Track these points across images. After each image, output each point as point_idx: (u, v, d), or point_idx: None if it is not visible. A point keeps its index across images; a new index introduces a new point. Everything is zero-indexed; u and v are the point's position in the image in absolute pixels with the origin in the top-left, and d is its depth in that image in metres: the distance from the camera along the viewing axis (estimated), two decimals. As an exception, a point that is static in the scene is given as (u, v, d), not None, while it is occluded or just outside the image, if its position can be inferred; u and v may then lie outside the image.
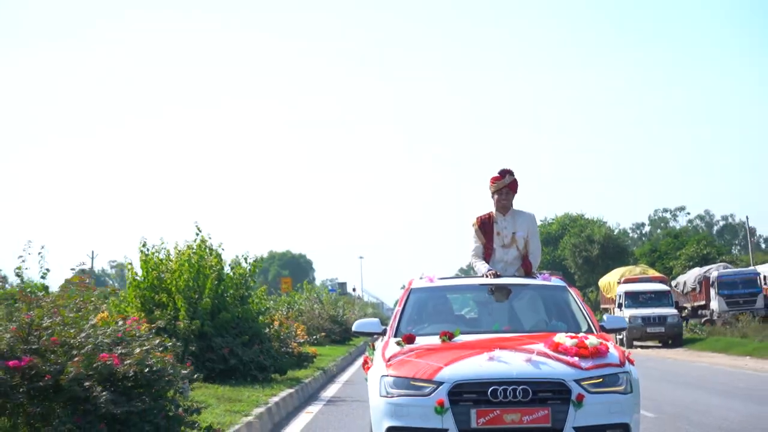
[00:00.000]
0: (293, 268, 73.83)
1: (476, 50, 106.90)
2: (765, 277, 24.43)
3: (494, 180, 4.89)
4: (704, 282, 25.31)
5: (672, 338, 21.38)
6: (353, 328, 5.11)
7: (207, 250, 7.93)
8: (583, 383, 3.60)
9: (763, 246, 66.71)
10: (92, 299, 4.45)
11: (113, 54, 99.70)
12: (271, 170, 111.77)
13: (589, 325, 4.38)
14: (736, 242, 75.21)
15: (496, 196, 4.94)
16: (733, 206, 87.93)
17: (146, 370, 3.71)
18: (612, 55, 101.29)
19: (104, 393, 3.39)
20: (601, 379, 3.70)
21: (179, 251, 7.76)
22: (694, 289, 26.38)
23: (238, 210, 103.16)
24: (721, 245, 43.16)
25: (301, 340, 10.03)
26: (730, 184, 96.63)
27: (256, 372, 7.67)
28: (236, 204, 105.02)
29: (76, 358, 3.40)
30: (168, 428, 3.88)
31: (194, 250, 7.79)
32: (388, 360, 3.92)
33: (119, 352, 3.72)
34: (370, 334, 5.00)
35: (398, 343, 4.07)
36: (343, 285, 46.83)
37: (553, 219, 50.87)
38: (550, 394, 3.63)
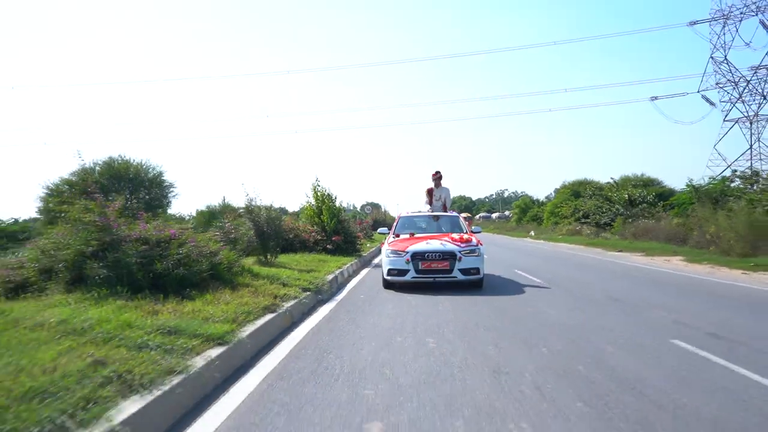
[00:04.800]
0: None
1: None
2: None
3: (433, 175, 12.35)
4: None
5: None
6: (377, 231, 13.69)
7: (329, 195, 17.34)
8: (462, 252, 9.41)
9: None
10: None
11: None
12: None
13: (465, 231, 10.79)
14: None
15: (434, 180, 12.36)
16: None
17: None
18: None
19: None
20: (469, 251, 9.50)
21: (321, 194, 17.17)
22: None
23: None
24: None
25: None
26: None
27: (351, 250, 17.35)
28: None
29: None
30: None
31: (324, 193, 17.03)
32: (390, 243, 10.21)
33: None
34: (385, 233, 12.28)
35: (394, 236, 10.80)
36: (375, 205, 66.22)
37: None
38: (449, 256, 9.36)
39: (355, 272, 13.32)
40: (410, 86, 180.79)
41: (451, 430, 3.19)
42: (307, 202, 17.06)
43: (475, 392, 3.88)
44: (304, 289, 8.15)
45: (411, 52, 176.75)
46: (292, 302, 7.05)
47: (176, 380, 3.51)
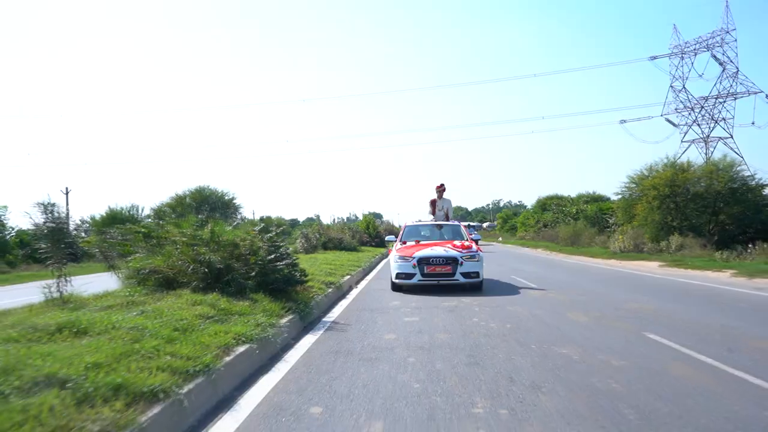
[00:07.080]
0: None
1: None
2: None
3: (437, 187, 14.01)
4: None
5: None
6: (385, 239, 16.17)
7: (371, 218, 34.37)
8: (463, 258, 10.88)
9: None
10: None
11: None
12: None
13: (466, 238, 12.18)
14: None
15: (437, 192, 13.94)
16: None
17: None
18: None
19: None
20: (469, 256, 10.97)
21: (368, 218, 34.19)
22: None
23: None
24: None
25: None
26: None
27: (382, 245, 34.20)
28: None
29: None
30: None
31: (371, 216, 34.06)
32: (397, 249, 11.76)
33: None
34: (392, 240, 13.79)
35: (401, 243, 12.23)
36: (377, 215, 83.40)
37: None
38: (452, 261, 10.84)
39: (387, 255, 30.35)
40: (410, 110, 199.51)
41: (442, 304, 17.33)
42: (360, 220, 34.32)
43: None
44: (380, 254, 25.17)
45: (409, 74, 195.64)
46: (379, 256, 24.12)
47: (353, 273, 20.52)
